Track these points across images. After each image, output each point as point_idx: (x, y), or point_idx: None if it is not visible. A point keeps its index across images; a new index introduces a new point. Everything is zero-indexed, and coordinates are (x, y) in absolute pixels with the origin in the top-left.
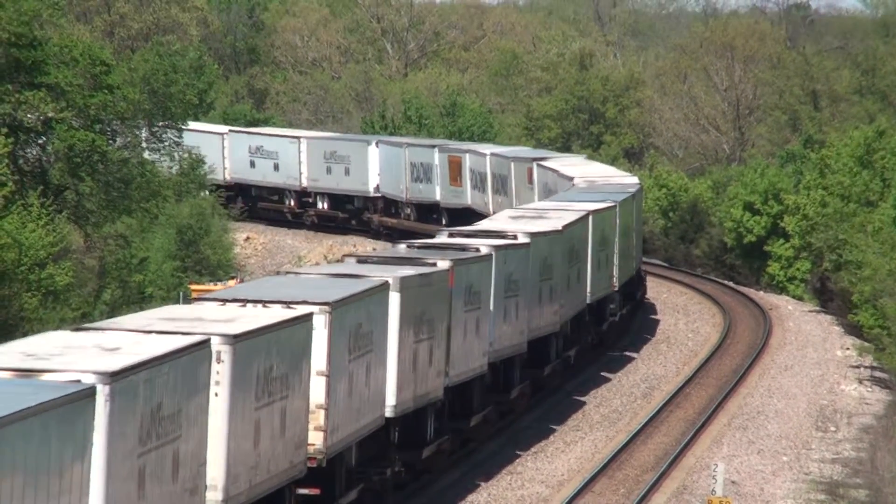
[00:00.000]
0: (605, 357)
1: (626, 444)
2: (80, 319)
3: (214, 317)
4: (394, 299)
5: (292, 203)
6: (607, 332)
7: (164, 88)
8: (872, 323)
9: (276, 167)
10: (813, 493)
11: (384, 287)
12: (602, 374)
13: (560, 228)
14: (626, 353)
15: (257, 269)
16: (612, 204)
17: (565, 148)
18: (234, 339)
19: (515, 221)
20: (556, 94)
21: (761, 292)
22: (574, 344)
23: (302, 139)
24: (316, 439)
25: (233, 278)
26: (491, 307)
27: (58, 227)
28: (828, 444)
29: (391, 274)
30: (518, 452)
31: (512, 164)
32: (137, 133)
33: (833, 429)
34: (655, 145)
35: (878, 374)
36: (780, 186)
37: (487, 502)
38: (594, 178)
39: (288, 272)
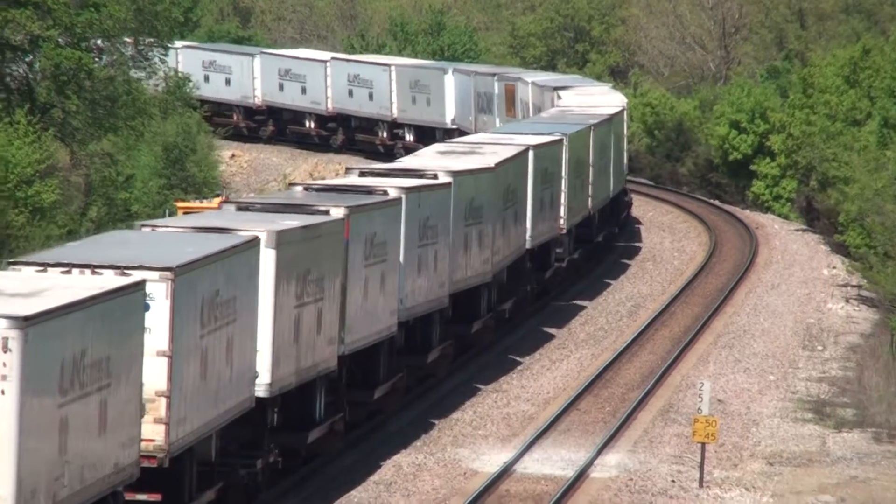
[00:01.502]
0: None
1: (611, 363)
2: (66, 236)
3: (15, 289)
4: (267, 257)
5: (384, 135)
6: (552, 279)
7: (149, 6)
8: (859, 242)
9: (371, 96)
10: (800, 412)
11: (252, 244)
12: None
13: (492, 165)
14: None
15: (242, 187)
16: (559, 137)
17: (550, 67)
18: (26, 322)
19: (442, 158)
20: (541, 12)
21: (747, 211)
22: (511, 295)
23: (392, 67)
24: (155, 434)
25: (217, 196)
26: (401, 258)
27: (44, 144)
28: (814, 363)
29: (266, 227)
30: (503, 370)
31: (544, 94)
32: (123, 51)
33: (820, 348)
34: (641, 64)
35: (864, 292)
36: (767, 105)
37: (473, 420)
38: (572, 107)
39: (143, 225)
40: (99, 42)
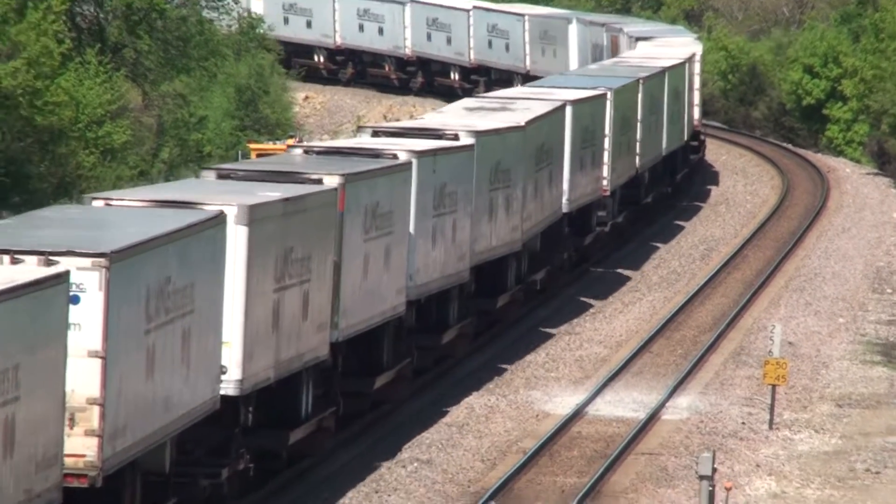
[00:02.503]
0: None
1: (683, 305)
2: (138, 178)
3: None
4: (237, 236)
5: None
6: (593, 245)
7: None
8: None
9: (507, 48)
10: (869, 355)
11: (217, 221)
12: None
13: (522, 124)
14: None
15: (316, 129)
16: (602, 92)
17: (625, 10)
18: None
19: (469, 115)
20: None
21: (819, 155)
22: (545, 264)
23: (526, 17)
24: (86, 448)
25: (291, 137)
26: (411, 229)
27: (115, 85)
28: (884, 306)
29: (239, 199)
30: (577, 312)
31: (632, 44)
32: None
33: (889, 291)
34: (715, 7)
35: None
36: (840, 49)
37: (545, 362)
38: (631, 58)
39: (95, 198)
40: None
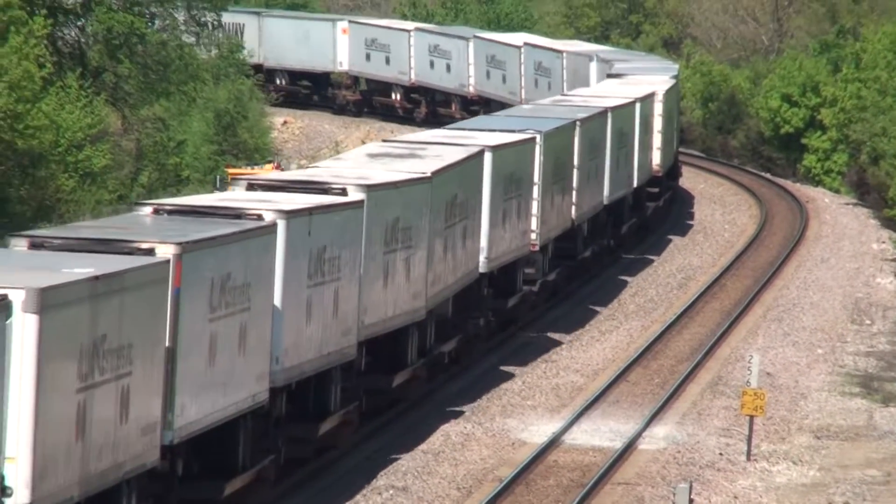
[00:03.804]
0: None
1: (661, 334)
2: (117, 202)
3: None
4: (25, 326)
5: None
6: (517, 307)
7: None
8: None
9: (549, 86)
10: (847, 386)
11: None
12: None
13: (428, 174)
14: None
15: (294, 154)
16: (531, 136)
17: (604, 37)
18: None
19: (370, 163)
20: None
21: (798, 184)
22: (457, 332)
23: (565, 54)
24: None
25: (269, 162)
26: (277, 303)
27: (96, 109)
28: (863, 337)
29: (30, 281)
30: (553, 341)
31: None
32: (176, 16)
33: (868, 322)
34: (693, 36)
35: None
36: (818, 79)
37: (522, 390)
38: (577, 96)
39: None
40: (151, 7)
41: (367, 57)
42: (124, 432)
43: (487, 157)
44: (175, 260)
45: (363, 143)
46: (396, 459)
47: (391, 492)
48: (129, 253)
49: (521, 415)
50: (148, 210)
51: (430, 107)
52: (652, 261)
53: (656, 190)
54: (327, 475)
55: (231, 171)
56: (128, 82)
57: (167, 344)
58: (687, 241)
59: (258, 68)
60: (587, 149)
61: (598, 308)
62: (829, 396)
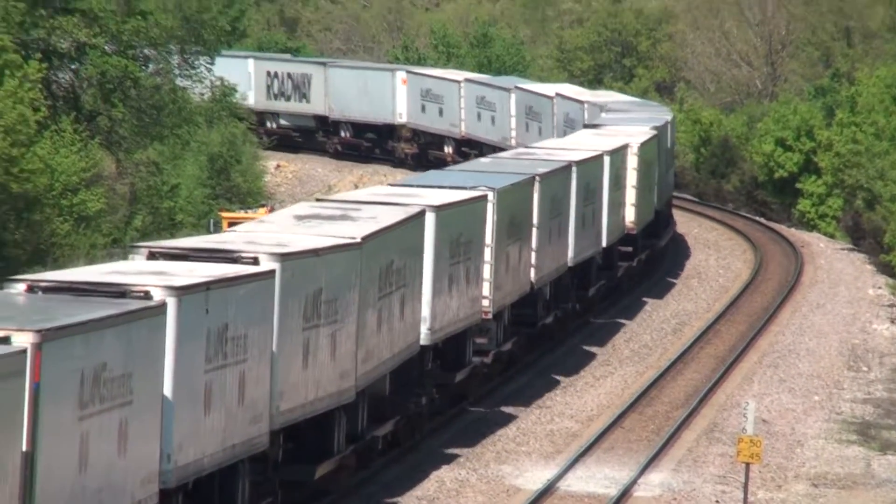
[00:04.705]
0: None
1: (655, 380)
2: (111, 245)
3: None
4: None
5: None
6: (466, 381)
7: (196, 15)
8: None
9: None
10: (844, 434)
11: None
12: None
13: (358, 239)
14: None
15: (287, 198)
16: (482, 193)
17: (597, 81)
18: None
19: (296, 226)
20: (589, 26)
21: (793, 229)
22: (395, 413)
23: (586, 105)
24: None
25: (263, 206)
26: (168, 392)
27: (90, 152)
28: (859, 384)
29: None
30: (547, 387)
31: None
32: (170, 60)
33: (865, 368)
34: (687, 79)
35: None
36: (813, 123)
37: (516, 436)
38: (541, 149)
39: None
40: (145, 50)
41: (423, 108)
42: None
43: (430, 217)
44: (34, 350)
45: (356, 187)
46: None
47: None
48: None
49: (515, 461)
50: (21, 287)
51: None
52: (646, 305)
53: (630, 249)
54: None
55: (225, 214)
56: (122, 126)
57: (24, 448)
58: (681, 286)
59: (323, 120)
60: (548, 206)
61: (595, 349)
62: (826, 444)
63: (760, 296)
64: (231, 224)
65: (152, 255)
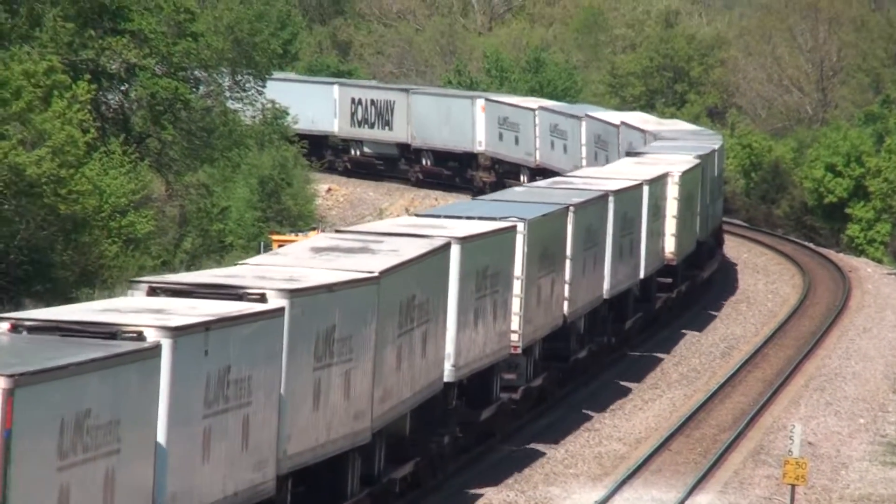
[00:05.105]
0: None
1: (703, 403)
2: (161, 268)
3: None
4: None
5: None
6: (493, 418)
7: (248, 38)
8: None
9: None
10: (889, 456)
11: None
12: (682, 332)
13: (375, 274)
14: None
15: (338, 221)
16: (511, 224)
17: (649, 106)
18: None
19: (313, 258)
20: (641, 51)
21: (841, 254)
22: (415, 454)
23: (647, 133)
24: None
25: (314, 229)
26: (161, 440)
27: (139, 174)
28: None
29: None
30: (596, 410)
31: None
32: (220, 82)
33: None
34: (738, 105)
35: None
36: (863, 149)
37: (564, 458)
38: (581, 178)
39: None
40: (196, 72)
41: (500, 136)
42: None
43: (455, 250)
44: (5, 395)
45: (406, 210)
46: None
47: None
48: None
49: (563, 483)
50: (5, 326)
51: None
52: (695, 329)
53: (669, 280)
54: None
55: (275, 237)
56: (172, 148)
57: None
58: (730, 310)
59: (406, 147)
60: (583, 236)
61: (645, 371)
62: (870, 466)
63: (808, 320)
64: (281, 247)
65: (153, 291)
